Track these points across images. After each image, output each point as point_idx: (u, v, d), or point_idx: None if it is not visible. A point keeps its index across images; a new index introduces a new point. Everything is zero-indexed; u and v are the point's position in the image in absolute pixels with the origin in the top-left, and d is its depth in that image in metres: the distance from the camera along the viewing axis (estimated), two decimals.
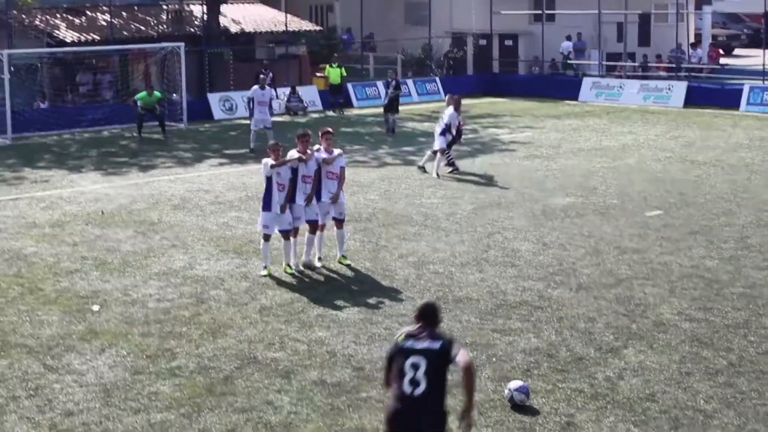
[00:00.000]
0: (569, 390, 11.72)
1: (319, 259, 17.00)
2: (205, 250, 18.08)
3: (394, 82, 33.70)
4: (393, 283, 15.98)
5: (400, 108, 34.21)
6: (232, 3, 44.91)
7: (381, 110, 34.68)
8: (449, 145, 25.55)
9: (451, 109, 25.73)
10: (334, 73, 40.40)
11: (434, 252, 17.77)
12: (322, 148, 16.74)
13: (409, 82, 43.59)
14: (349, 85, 42.08)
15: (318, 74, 43.18)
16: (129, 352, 12.98)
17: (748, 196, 22.38)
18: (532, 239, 18.60)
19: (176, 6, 43.96)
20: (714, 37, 53.56)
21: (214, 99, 39.02)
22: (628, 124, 35.25)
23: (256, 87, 30.37)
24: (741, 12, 61.70)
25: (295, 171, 16.46)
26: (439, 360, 8.44)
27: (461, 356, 8.48)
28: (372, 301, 15.04)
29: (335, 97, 40.47)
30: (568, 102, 42.00)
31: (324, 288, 15.88)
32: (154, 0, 45.84)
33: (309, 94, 41.06)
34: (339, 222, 17.05)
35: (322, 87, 41.81)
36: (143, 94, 33.49)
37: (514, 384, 11.40)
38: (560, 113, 38.68)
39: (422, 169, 25.61)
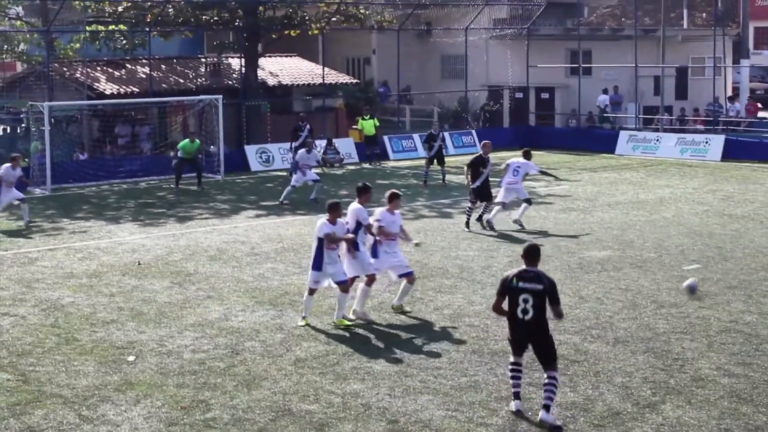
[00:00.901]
0: None
1: (354, 311, 16.93)
2: (241, 302, 18.11)
3: (441, 134, 34.11)
4: (429, 335, 15.91)
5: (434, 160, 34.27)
6: (269, 56, 45.37)
7: (416, 162, 34.69)
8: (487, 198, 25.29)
9: (524, 160, 25.63)
10: (367, 124, 40.67)
11: (470, 305, 17.69)
12: (385, 209, 17.03)
13: (446, 134, 43.66)
14: (385, 138, 42.31)
15: (353, 126, 43.39)
16: (164, 404, 12.96)
17: None
18: (569, 292, 18.48)
19: (215, 59, 44.48)
20: (752, 90, 53.41)
21: (251, 151, 39.30)
22: (666, 177, 35.12)
23: (302, 151, 30.21)
24: None
25: (358, 223, 16.66)
26: (542, 297, 11.93)
27: (555, 311, 12.01)
28: (407, 353, 14.97)
29: (371, 148, 40.71)
30: (604, 155, 41.94)
31: (359, 340, 15.83)
32: (193, 53, 46.43)
33: (345, 146, 41.28)
34: (409, 276, 17.06)
35: (357, 139, 42.02)
36: (186, 141, 33.71)
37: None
38: (597, 166, 38.62)
39: (518, 222, 25.13)
